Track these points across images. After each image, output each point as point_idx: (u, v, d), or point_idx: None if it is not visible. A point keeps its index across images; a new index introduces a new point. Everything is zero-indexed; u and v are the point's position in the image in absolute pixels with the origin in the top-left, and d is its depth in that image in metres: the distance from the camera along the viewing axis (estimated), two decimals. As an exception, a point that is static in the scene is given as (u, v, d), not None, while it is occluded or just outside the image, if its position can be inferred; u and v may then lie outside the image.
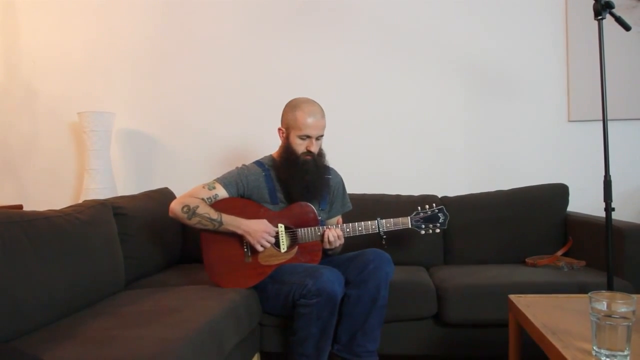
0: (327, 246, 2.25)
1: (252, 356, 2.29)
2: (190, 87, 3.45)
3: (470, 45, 3.22)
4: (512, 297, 1.79)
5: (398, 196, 2.98)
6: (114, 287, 2.21)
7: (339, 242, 2.25)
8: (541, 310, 1.60)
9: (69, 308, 1.87)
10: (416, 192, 3.00)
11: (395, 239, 2.55)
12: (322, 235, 2.24)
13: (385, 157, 3.29)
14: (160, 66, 3.48)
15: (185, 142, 3.47)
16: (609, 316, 1.19)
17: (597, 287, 1.88)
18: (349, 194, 2.62)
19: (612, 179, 2.06)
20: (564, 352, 1.22)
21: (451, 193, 3.00)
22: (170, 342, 1.48)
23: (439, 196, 2.96)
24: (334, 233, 2.23)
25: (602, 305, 1.20)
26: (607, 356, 1.19)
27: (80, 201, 2.73)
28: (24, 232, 1.73)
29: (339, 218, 2.50)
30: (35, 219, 1.84)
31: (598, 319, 1.20)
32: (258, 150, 2.91)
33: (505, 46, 3.20)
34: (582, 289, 2.15)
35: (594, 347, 1.22)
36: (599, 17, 2.01)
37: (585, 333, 1.32)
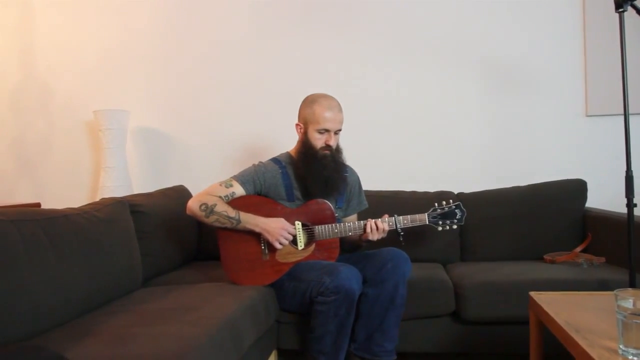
0: (370, 237, 2.23)
1: (270, 353, 2.29)
2: (205, 85, 3.45)
3: (486, 40, 3.19)
4: (533, 294, 1.77)
5: (414, 193, 2.96)
6: (131, 285, 2.21)
7: (379, 236, 2.24)
8: (563, 308, 1.58)
9: (88, 306, 1.88)
10: (432, 188, 2.98)
11: (411, 236, 2.52)
12: (366, 226, 2.23)
13: (401, 154, 3.27)
14: (175, 64, 3.48)
15: (200, 139, 3.47)
16: (636, 314, 1.17)
17: (618, 284, 1.87)
18: (365, 191, 2.61)
19: (633, 174, 2.03)
20: (590, 351, 1.20)
21: (467, 189, 2.97)
22: (190, 340, 1.49)
23: (455, 192, 2.93)
24: (379, 225, 2.23)
25: (629, 303, 1.18)
26: (634, 355, 1.16)
27: (96, 199, 2.75)
28: (43, 230, 1.74)
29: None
30: (54, 217, 1.85)
31: (624, 317, 1.18)
32: (274, 147, 2.90)
33: (521, 40, 3.17)
34: (603, 285, 2.13)
35: (620, 346, 1.20)
36: (620, 10, 1.98)
37: (610, 331, 1.31)
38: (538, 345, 1.78)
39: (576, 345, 1.27)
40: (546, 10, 3.14)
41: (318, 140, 2.28)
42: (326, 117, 2.25)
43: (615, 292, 1.22)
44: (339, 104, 2.32)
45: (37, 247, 1.68)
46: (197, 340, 1.49)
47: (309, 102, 2.32)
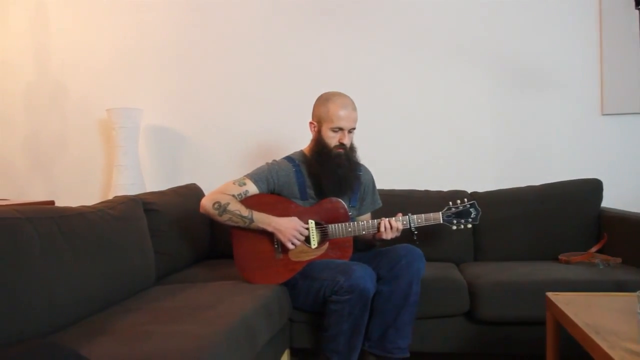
0: (384, 236, 2.23)
1: (283, 352, 2.29)
2: (218, 83, 3.46)
3: (500, 39, 3.17)
4: (550, 294, 1.75)
5: (427, 192, 2.94)
6: (145, 283, 2.21)
7: (392, 235, 2.23)
8: (582, 309, 1.56)
9: (102, 303, 1.88)
10: (445, 187, 2.96)
11: (424, 235, 2.50)
12: (380, 225, 2.22)
13: (414, 153, 3.25)
14: (188, 62, 3.49)
15: (212, 137, 3.47)
16: (658, 316, 1.15)
17: (635, 285, 1.85)
18: (378, 190, 2.59)
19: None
20: (611, 353, 1.18)
21: (481, 188, 2.95)
22: (204, 338, 1.48)
23: (469, 192, 2.91)
24: (393, 224, 2.22)
25: (651, 305, 1.17)
26: (657, 357, 1.15)
27: (109, 197, 2.76)
28: (59, 227, 1.74)
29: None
30: (69, 215, 1.85)
31: (647, 318, 1.16)
32: (287, 145, 2.90)
33: (536, 38, 3.13)
34: (620, 286, 2.10)
35: (643, 348, 1.18)
36: (640, 7, 1.95)
37: (630, 332, 1.30)
38: (555, 346, 1.77)
39: (597, 347, 1.25)
40: (561, 8, 3.11)
41: (332, 139, 2.27)
42: (340, 115, 2.24)
43: (637, 293, 1.20)
44: (353, 102, 2.31)
45: (52, 245, 1.68)
46: (213, 339, 1.49)
47: (323, 100, 2.30)
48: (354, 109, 2.29)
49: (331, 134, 2.27)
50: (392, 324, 2.11)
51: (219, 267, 2.61)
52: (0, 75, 3.73)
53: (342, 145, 2.27)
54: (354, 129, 2.31)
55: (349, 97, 2.32)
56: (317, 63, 3.33)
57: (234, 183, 2.24)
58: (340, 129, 2.26)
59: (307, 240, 2.22)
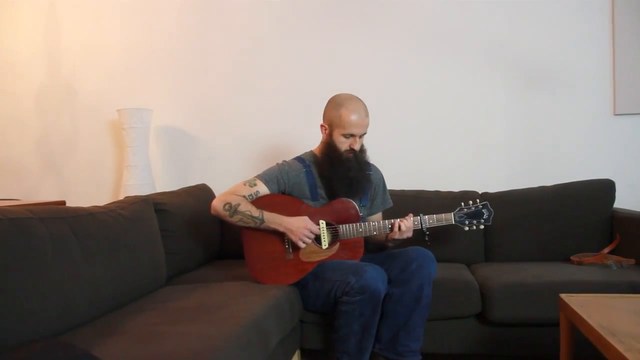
0: (396, 236, 2.22)
1: (293, 353, 2.28)
2: (228, 84, 3.46)
3: (512, 38, 3.14)
4: (563, 296, 1.73)
5: (437, 192, 2.93)
6: (156, 283, 2.22)
7: (404, 236, 2.23)
8: (596, 310, 1.54)
9: (114, 303, 1.88)
10: (456, 188, 2.94)
11: (434, 236, 2.49)
12: (393, 225, 2.22)
13: (425, 153, 3.24)
14: (198, 63, 3.49)
15: (222, 138, 3.48)
16: (676, 318, 1.14)
17: (652, 287, 1.82)
18: (388, 190, 2.58)
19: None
20: (628, 356, 1.17)
21: (492, 189, 2.92)
22: (216, 339, 1.48)
23: (480, 192, 2.88)
24: (405, 224, 2.22)
25: (669, 307, 1.15)
26: (675, 360, 1.13)
27: (119, 197, 2.76)
28: (71, 228, 1.75)
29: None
30: (81, 215, 1.86)
31: (665, 321, 1.15)
32: (296, 146, 2.89)
33: (548, 38, 3.11)
34: (634, 288, 2.09)
35: (660, 350, 1.17)
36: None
37: (647, 335, 1.27)
38: (569, 348, 1.75)
39: (613, 349, 1.24)
40: (574, 8, 3.08)
41: (343, 144, 2.25)
42: (353, 122, 2.21)
43: (654, 295, 1.19)
44: (366, 108, 2.28)
45: (64, 245, 1.68)
46: (224, 339, 1.48)
47: (336, 104, 2.27)
48: (367, 114, 2.27)
49: (342, 139, 2.25)
50: (403, 326, 2.10)
51: (229, 268, 2.61)
52: (11, 76, 3.76)
53: (352, 150, 2.26)
54: (364, 134, 2.30)
55: (361, 101, 2.29)
56: (328, 64, 3.32)
57: (244, 184, 2.24)
58: (352, 135, 2.24)
59: (318, 240, 2.22)
